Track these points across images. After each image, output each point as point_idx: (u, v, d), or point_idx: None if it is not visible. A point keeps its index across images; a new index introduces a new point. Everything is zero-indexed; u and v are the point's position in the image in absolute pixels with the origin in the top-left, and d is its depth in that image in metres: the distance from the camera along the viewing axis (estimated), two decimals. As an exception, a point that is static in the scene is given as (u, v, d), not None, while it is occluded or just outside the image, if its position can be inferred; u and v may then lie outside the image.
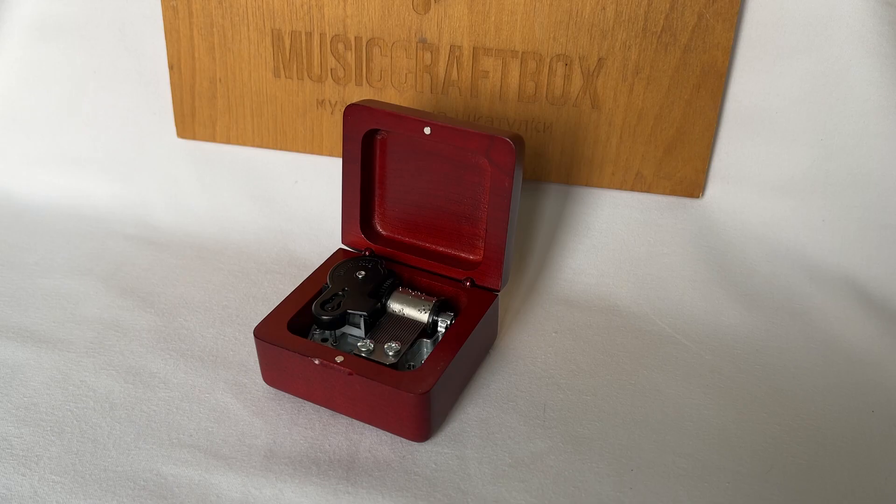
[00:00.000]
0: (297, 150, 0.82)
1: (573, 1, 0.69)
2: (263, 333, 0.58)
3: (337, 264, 0.65)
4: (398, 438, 0.57)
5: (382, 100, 0.76)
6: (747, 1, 0.69)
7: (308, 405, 0.60)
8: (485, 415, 0.59)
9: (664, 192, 0.76)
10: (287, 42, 0.76)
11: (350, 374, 0.55)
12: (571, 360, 0.65)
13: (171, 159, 0.84)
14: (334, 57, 0.76)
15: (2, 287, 0.72)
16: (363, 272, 0.64)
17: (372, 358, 0.57)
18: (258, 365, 0.62)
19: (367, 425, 0.58)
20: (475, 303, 0.62)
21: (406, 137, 0.64)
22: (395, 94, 0.76)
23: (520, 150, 0.58)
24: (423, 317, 0.61)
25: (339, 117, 0.78)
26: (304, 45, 0.76)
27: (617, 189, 0.77)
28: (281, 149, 0.82)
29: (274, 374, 0.59)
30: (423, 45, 0.73)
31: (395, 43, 0.74)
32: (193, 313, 0.70)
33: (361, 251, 0.68)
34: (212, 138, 0.83)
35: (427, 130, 0.61)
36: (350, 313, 0.60)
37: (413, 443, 0.56)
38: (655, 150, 0.74)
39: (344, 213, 0.67)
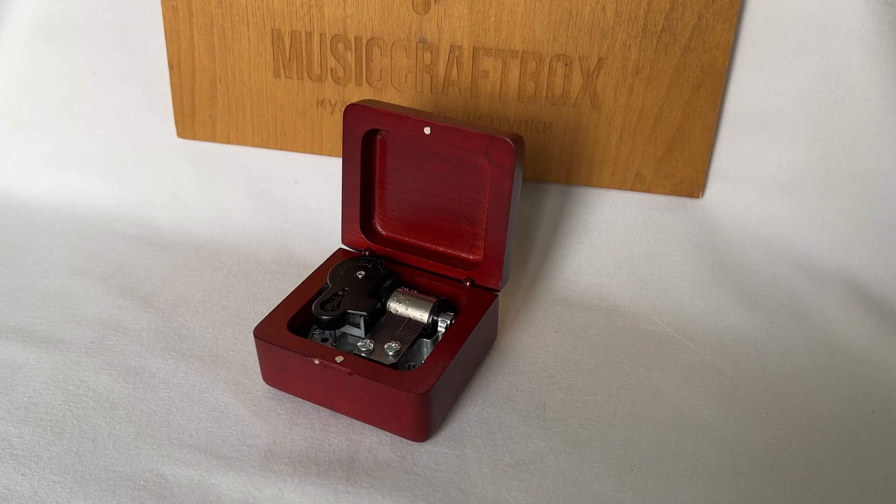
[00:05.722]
0: (297, 150, 0.82)
1: (573, 1, 0.69)
2: (263, 333, 0.58)
3: (337, 264, 0.65)
4: (398, 438, 0.57)
5: (382, 100, 0.76)
6: (747, 1, 0.69)
7: (308, 405, 0.60)
8: (485, 415, 0.59)
9: (664, 192, 0.76)
10: (287, 42, 0.76)
11: (350, 374, 0.55)
12: (571, 360, 0.65)
13: (171, 159, 0.84)
14: (334, 57, 0.76)
15: (2, 287, 0.72)
16: (363, 272, 0.64)
17: (372, 358, 0.57)
18: (258, 365, 0.62)
19: (367, 425, 0.58)
20: (475, 303, 0.62)
21: (406, 137, 0.64)
22: (395, 94, 0.76)
23: (520, 150, 0.58)
24: (423, 317, 0.61)
25: (339, 117, 0.78)
26: (304, 45, 0.76)
27: (617, 189, 0.77)
28: (281, 149, 0.82)
29: (274, 374, 0.59)
30: (423, 45, 0.73)
31: (395, 43, 0.74)
32: (193, 313, 0.70)
33: (361, 251, 0.68)
34: (212, 138, 0.83)
35: (427, 130, 0.61)
36: (350, 313, 0.60)
37: (413, 443, 0.56)
38: (655, 150, 0.74)
39: (344, 213, 0.67)
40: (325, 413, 0.59)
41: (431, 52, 0.74)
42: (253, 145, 0.82)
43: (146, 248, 0.79)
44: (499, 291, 0.63)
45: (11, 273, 0.74)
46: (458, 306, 0.64)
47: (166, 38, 0.79)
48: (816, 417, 0.60)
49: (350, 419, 0.58)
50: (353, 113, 0.63)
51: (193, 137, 0.84)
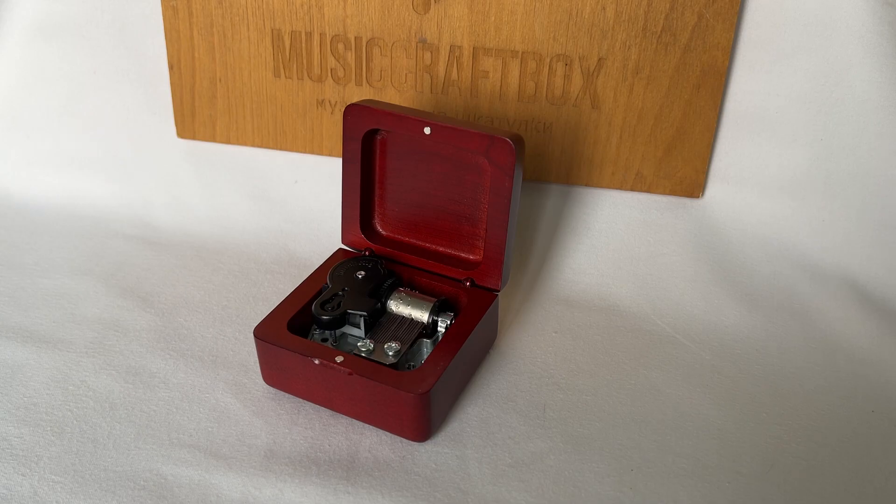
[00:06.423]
0: (297, 150, 0.82)
1: (573, 1, 0.69)
2: (263, 333, 0.58)
3: (337, 264, 0.65)
4: (398, 438, 0.57)
5: (382, 100, 0.76)
6: (747, 1, 0.69)
7: (308, 405, 0.60)
8: (485, 415, 0.59)
9: (664, 192, 0.76)
10: (287, 42, 0.76)
11: (350, 374, 0.55)
12: (571, 360, 0.65)
13: (171, 159, 0.84)
14: (334, 57, 0.76)
15: (2, 287, 0.72)
16: (363, 272, 0.64)
17: (372, 358, 0.57)
18: (258, 365, 0.62)
19: (367, 425, 0.58)
20: (475, 303, 0.62)
21: (406, 137, 0.64)
22: (395, 94, 0.76)
23: (520, 150, 0.58)
24: (423, 317, 0.61)
25: (339, 117, 0.78)
26: (304, 45, 0.76)
27: (617, 189, 0.77)
28: (281, 149, 0.82)
29: (274, 374, 0.59)
30: (423, 45, 0.73)
31: (395, 43, 0.74)
32: (193, 313, 0.70)
33: (361, 251, 0.68)
34: (212, 138, 0.83)
35: (427, 130, 0.61)
36: (350, 313, 0.60)
37: (413, 443, 0.56)
38: (655, 150, 0.74)
39: (344, 213, 0.67)
40: (325, 413, 0.59)
41: (431, 52, 0.74)
42: (253, 145, 0.82)
43: (146, 248, 0.79)
44: (499, 291, 0.63)
45: (11, 273, 0.74)
46: (458, 306, 0.64)
47: (166, 38, 0.79)
48: (816, 417, 0.60)
49: (350, 419, 0.58)
50: (353, 113, 0.63)
51: (193, 137, 0.84)
